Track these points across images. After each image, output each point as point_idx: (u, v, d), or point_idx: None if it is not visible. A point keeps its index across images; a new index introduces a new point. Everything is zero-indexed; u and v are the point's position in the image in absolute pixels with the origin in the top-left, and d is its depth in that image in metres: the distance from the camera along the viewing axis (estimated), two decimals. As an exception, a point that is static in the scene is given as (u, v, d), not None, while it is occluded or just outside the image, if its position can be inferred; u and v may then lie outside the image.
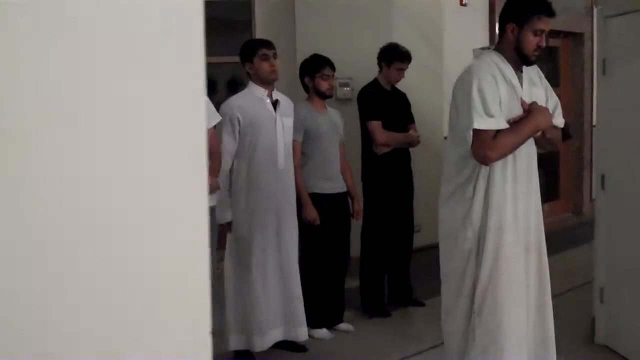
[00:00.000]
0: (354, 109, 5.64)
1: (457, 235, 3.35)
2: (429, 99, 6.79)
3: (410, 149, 5.63)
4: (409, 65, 5.69)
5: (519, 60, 3.32)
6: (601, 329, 4.84)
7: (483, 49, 3.48)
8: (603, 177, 4.80)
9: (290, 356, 4.69)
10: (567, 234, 7.98)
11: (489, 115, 3.16)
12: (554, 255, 7.39)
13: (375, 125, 5.37)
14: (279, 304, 4.51)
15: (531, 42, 3.26)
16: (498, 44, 3.39)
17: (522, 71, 3.38)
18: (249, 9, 6.95)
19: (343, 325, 5.18)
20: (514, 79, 3.30)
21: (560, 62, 9.07)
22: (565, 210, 9.02)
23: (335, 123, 5.10)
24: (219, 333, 4.60)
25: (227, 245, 4.52)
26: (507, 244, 3.30)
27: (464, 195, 3.33)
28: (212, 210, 4.18)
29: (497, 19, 8.21)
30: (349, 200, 5.23)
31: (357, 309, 5.55)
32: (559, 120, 3.48)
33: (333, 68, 5.04)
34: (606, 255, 4.80)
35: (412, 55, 5.79)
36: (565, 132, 9.27)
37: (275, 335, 4.51)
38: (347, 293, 5.60)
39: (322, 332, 4.98)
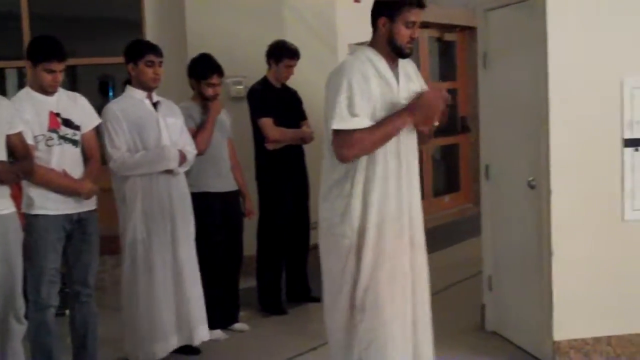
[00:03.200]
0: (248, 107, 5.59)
1: (336, 231, 3.34)
2: (322, 95, 6.78)
3: (305, 146, 5.62)
4: (303, 62, 5.69)
5: (394, 53, 3.31)
6: (490, 316, 4.94)
7: (358, 44, 3.47)
8: (487, 167, 4.89)
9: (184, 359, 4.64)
10: (467, 224, 8.12)
11: (353, 114, 3.15)
12: (454, 246, 7.58)
13: (266, 122, 5.34)
14: (175, 308, 4.44)
15: (404, 34, 3.26)
16: (372, 40, 3.38)
17: (397, 65, 3.38)
18: (139, 7, 6.83)
19: (238, 325, 5.14)
20: (389, 74, 3.30)
21: (456, 56, 9.23)
22: (465, 201, 9.20)
23: (223, 121, 5.05)
24: (109, 342, 4.52)
25: (123, 251, 4.44)
26: (390, 240, 3.30)
27: (342, 192, 3.31)
28: (93, 215, 4.07)
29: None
30: (241, 199, 5.19)
31: (255, 308, 5.52)
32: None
33: (221, 74, 4.98)
34: (492, 244, 4.90)
35: (306, 51, 5.79)
36: (464, 125, 9.43)
37: (173, 341, 4.45)
38: (245, 292, 5.58)
39: (217, 333, 4.93)
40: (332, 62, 6.88)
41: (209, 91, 4.91)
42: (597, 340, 4.27)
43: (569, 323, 4.25)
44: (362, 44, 3.50)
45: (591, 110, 4.18)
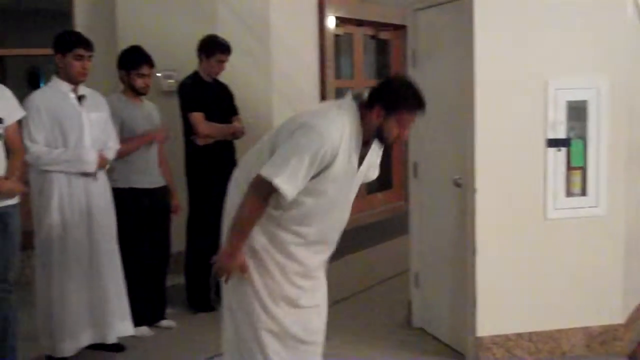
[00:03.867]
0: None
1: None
2: (257, 91, 6.77)
3: (236, 141, 5.59)
4: (235, 57, 5.65)
5: (377, 139, 3.17)
6: (417, 313, 5.00)
7: (359, 94, 3.25)
8: (415, 165, 4.94)
9: (109, 356, 4.56)
10: (398, 221, 8.17)
11: (295, 184, 3.00)
12: (385, 243, 7.62)
13: (197, 117, 5.29)
14: (90, 304, 4.37)
15: (395, 132, 3.10)
16: (363, 108, 3.10)
17: (370, 145, 3.24)
18: (69, -2, 6.71)
19: (165, 322, 5.09)
20: (354, 158, 3.14)
21: (391, 54, 9.28)
22: (398, 199, 9.25)
23: (151, 116, 4.99)
24: (30, 337, 4.42)
25: (37, 248, 4.34)
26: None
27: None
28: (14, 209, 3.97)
29: (327, 9, 8.29)
30: (169, 195, 5.14)
31: (184, 305, 5.47)
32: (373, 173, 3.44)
33: (151, 65, 4.91)
34: (420, 242, 4.96)
35: (238, 46, 5.74)
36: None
37: (85, 338, 4.37)
38: (173, 289, 5.53)
39: (143, 330, 4.87)
40: (265, 58, 6.89)
41: (139, 82, 4.84)
42: (519, 336, 4.36)
43: (492, 319, 4.32)
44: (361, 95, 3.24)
45: (516, 110, 4.25)
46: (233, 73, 5.72)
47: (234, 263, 3.19)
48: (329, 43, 8.08)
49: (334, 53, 8.25)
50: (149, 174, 4.91)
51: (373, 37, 9.08)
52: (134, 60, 4.86)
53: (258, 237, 3.20)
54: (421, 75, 4.81)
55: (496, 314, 4.33)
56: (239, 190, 3.25)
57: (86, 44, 4.36)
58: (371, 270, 6.56)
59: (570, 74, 4.28)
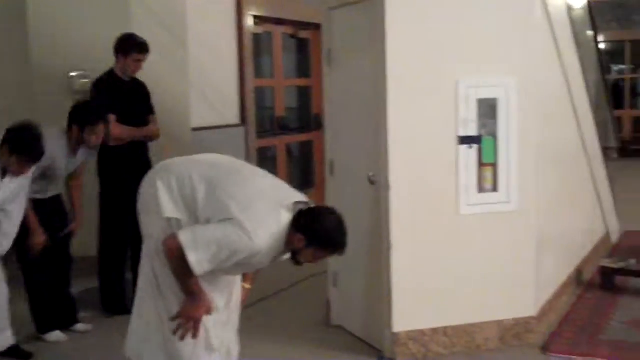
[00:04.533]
0: (93, 103, 5.41)
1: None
2: (174, 90, 6.70)
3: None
4: (152, 55, 5.56)
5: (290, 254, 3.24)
6: (335, 311, 5.01)
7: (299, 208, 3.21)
8: (332, 163, 4.95)
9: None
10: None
11: (207, 261, 3.04)
12: None
13: (109, 118, 5.18)
14: None
15: (307, 259, 3.21)
16: (292, 229, 3.13)
17: None
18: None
19: (80, 326, 4.97)
20: (270, 256, 3.19)
21: (311, 53, 9.28)
22: (320, 198, 9.26)
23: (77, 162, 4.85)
24: None
25: None
26: None
27: None
28: None
29: (245, 7, 8.24)
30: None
31: (98, 308, 5.36)
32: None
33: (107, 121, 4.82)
34: (337, 240, 4.95)
35: (154, 45, 5.65)
36: (318, 122, 9.46)
37: None
38: (89, 292, 5.41)
39: (56, 335, 4.76)
40: (182, 56, 6.81)
41: (93, 139, 4.68)
42: (434, 331, 4.41)
43: (407, 315, 4.36)
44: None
45: (428, 108, 4.30)
46: (149, 71, 5.63)
47: (201, 307, 3.22)
48: (248, 42, 8.05)
49: (253, 52, 8.22)
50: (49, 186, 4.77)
51: (293, 36, 9.08)
52: (88, 117, 4.68)
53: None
54: (337, 74, 4.84)
55: (411, 310, 4.37)
56: (153, 193, 3.27)
57: None
58: (292, 270, 6.51)
59: (481, 72, 4.35)
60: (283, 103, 9.13)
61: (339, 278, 4.98)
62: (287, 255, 3.28)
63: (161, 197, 3.23)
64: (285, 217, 3.12)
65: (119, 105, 5.24)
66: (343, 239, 3.22)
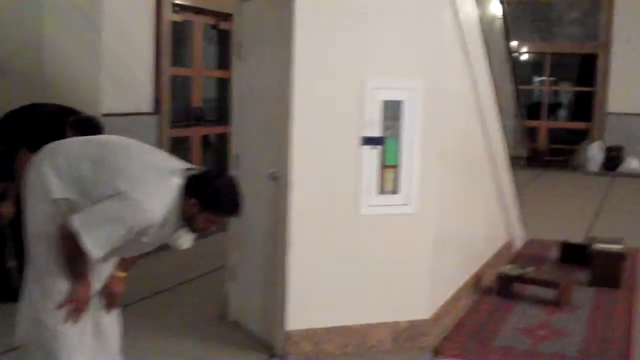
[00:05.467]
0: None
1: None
2: (84, 73, 6.56)
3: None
4: (63, 36, 5.39)
5: (185, 222, 3.19)
6: (233, 306, 4.96)
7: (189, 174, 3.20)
8: (237, 157, 4.90)
9: None
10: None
11: (103, 242, 3.01)
12: (209, 237, 7.28)
13: None
14: None
15: (203, 225, 3.18)
16: (184, 189, 3.13)
17: None
18: None
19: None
20: (168, 229, 3.16)
21: (231, 45, 9.17)
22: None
23: None
24: None
25: None
26: None
27: None
28: None
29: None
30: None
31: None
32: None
33: None
34: (238, 234, 4.91)
35: (66, 26, 5.49)
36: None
37: None
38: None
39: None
40: (95, 39, 6.65)
41: None
42: (327, 330, 4.40)
43: (302, 313, 4.34)
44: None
45: (333, 107, 4.28)
46: (58, 51, 5.47)
47: (88, 290, 3.21)
48: (166, 30, 7.91)
49: (171, 40, 8.09)
50: None
51: (214, 27, 8.98)
52: None
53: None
54: (246, 67, 4.79)
55: (306, 309, 4.35)
56: (40, 175, 3.18)
57: None
58: (192, 264, 6.45)
59: (387, 74, 4.35)
60: (200, 94, 9.02)
61: (237, 272, 4.92)
62: (187, 236, 3.27)
63: (49, 179, 3.16)
64: (176, 184, 3.12)
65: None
66: (236, 200, 3.21)
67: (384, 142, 4.38)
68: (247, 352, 4.47)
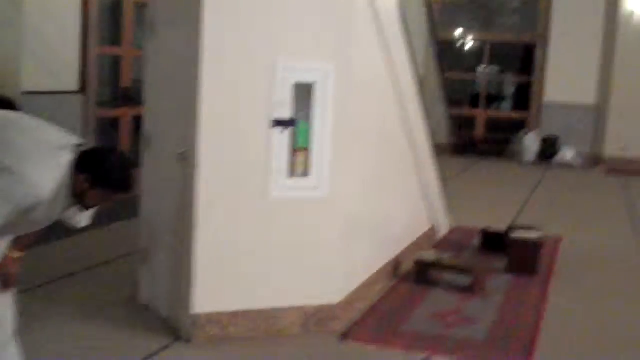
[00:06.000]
0: None
1: None
2: (6, 51, 6.42)
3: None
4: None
5: (76, 199, 3.11)
6: (144, 290, 4.88)
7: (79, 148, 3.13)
8: (149, 136, 4.81)
9: None
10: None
11: None
12: (124, 221, 7.09)
13: None
14: None
15: (93, 202, 3.11)
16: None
17: None
18: None
19: None
20: (57, 206, 3.04)
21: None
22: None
23: None
24: None
25: None
26: None
27: None
28: None
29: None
30: None
31: None
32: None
33: None
34: (149, 216, 4.84)
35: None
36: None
37: None
38: None
39: None
40: (13, 14, 6.50)
41: None
42: (234, 314, 4.35)
43: (209, 297, 4.28)
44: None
45: (243, 88, 4.22)
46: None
47: None
48: (93, 8, 7.78)
49: (99, 19, 7.95)
50: None
51: (145, 5, 8.84)
52: None
53: None
54: (157, 45, 4.71)
55: (213, 292, 4.30)
56: None
57: None
58: (106, 246, 6.34)
59: (299, 55, 4.31)
60: (131, 74, 8.89)
61: (149, 255, 4.85)
62: (85, 213, 3.21)
63: None
64: (66, 159, 3.04)
65: None
66: (127, 175, 3.15)
67: (295, 124, 4.34)
68: (154, 335, 4.40)
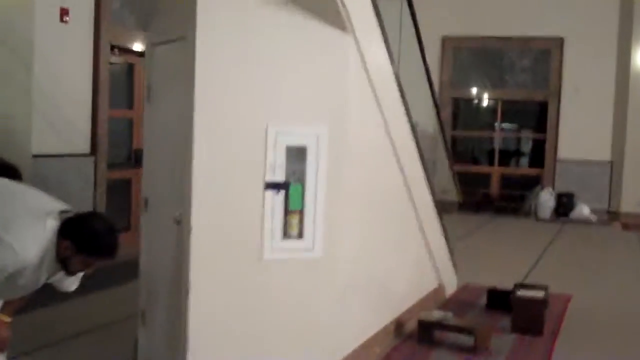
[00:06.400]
0: None
1: None
2: (16, 114, 6.55)
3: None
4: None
5: (61, 264, 3.23)
6: (143, 351, 4.89)
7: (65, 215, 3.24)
8: (147, 200, 4.88)
9: None
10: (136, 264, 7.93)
11: None
12: (123, 285, 7.12)
13: None
14: None
15: (78, 267, 3.25)
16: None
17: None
18: None
19: None
20: (42, 273, 3.18)
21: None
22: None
23: None
24: None
25: None
26: None
27: None
28: None
29: (102, 35, 8.13)
30: None
31: None
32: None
33: None
34: (148, 279, 4.87)
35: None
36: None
37: None
38: None
39: None
40: (26, 81, 6.65)
41: None
42: (229, 377, 4.35)
43: (202, 359, 4.28)
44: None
45: (236, 152, 4.27)
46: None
47: None
48: (104, 71, 7.94)
49: (110, 81, 8.11)
50: None
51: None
52: None
53: None
54: (154, 110, 4.80)
55: (206, 354, 4.29)
56: None
57: None
58: (108, 308, 6.37)
59: (291, 119, 4.37)
60: (142, 135, 8.99)
61: (147, 316, 4.87)
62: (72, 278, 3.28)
63: None
64: (52, 226, 3.13)
65: None
66: (111, 242, 3.23)
67: (288, 186, 4.38)
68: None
